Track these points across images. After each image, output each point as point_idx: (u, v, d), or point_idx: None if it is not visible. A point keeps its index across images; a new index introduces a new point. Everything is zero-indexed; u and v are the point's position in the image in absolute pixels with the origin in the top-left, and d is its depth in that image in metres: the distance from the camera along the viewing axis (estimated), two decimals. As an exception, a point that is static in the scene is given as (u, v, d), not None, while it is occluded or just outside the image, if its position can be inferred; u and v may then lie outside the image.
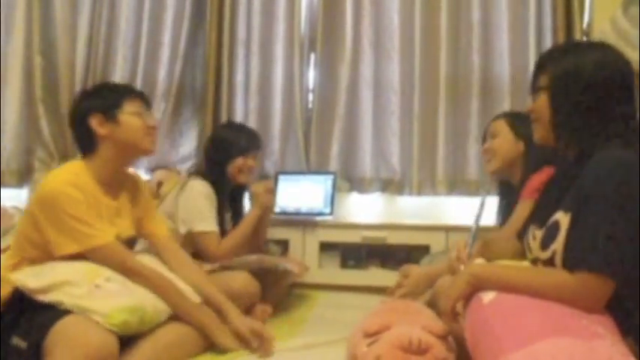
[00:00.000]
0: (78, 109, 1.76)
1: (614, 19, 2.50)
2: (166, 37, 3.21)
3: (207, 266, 2.14)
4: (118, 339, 1.45)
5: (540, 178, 1.83)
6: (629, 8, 2.41)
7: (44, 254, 1.60)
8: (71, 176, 1.63)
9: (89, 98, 1.78)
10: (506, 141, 2.02)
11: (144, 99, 1.83)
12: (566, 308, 1.14)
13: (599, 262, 1.13)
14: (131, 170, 1.92)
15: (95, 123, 1.72)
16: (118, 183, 1.80)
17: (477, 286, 1.27)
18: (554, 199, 1.32)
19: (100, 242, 1.61)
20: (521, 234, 1.50)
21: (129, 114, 1.74)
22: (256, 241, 2.46)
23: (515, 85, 2.96)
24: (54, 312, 1.46)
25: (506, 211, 2.09)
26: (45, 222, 1.58)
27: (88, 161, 1.73)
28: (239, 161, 2.37)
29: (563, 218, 1.24)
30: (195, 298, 1.74)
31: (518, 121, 2.02)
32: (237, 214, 2.51)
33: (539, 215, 1.39)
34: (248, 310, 2.08)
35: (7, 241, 2.29)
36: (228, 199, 2.44)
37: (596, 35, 2.66)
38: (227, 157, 2.37)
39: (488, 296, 1.22)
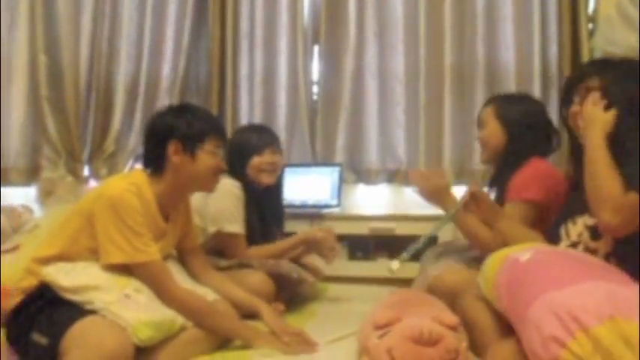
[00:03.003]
0: (160, 126, 1.72)
1: (619, 4, 2.48)
2: (169, 33, 3.20)
3: (224, 262, 2.15)
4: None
5: (523, 175, 1.86)
6: (635, -7, 2.39)
7: (78, 255, 1.59)
8: (134, 187, 1.61)
9: (174, 119, 1.72)
10: (493, 132, 2.00)
11: (223, 137, 1.80)
12: (606, 264, 1.25)
13: None
14: None
15: (172, 149, 1.68)
16: (173, 206, 1.79)
17: (597, 129, 1.40)
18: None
19: (146, 259, 1.59)
20: (550, 230, 1.57)
21: (207, 152, 1.71)
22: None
23: (520, 73, 2.94)
24: (75, 311, 1.46)
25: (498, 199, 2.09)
26: (100, 225, 1.57)
27: (152, 178, 1.71)
28: (255, 160, 2.29)
29: None
30: (212, 296, 1.75)
31: (505, 108, 1.99)
32: (265, 217, 2.40)
33: (575, 209, 1.49)
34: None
35: (16, 240, 2.31)
36: (257, 201, 2.36)
37: (602, 21, 2.64)
38: (243, 159, 2.30)
39: (525, 256, 1.30)
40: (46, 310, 1.50)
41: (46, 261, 1.59)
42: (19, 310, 1.53)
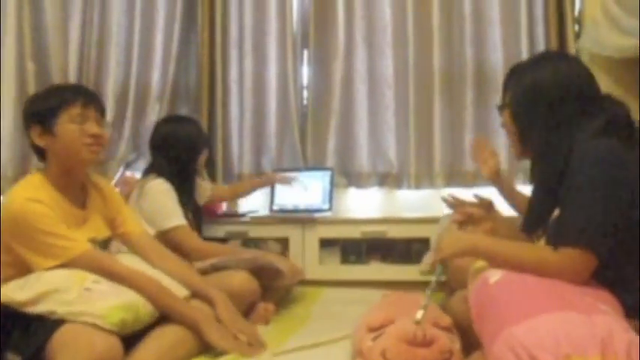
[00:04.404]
0: (23, 116, 1.69)
1: (604, 6, 2.50)
2: (158, 39, 3.19)
3: (198, 264, 2.12)
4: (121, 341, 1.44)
5: None
6: (621, -5, 2.42)
7: (20, 272, 1.56)
8: (31, 192, 1.58)
9: (31, 105, 1.69)
10: None
11: (89, 102, 1.69)
12: (571, 286, 1.20)
13: (579, 237, 1.21)
14: (97, 176, 1.89)
15: (34, 135, 1.65)
16: (81, 190, 1.75)
17: (472, 255, 1.38)
18: (551, 198, 1.35)
19: (77, 252, 1.57)
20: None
21: (65, 123, 1.64)
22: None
23: (508, 75, 2.96)
24: (48, 323, 1.44)
25: None
26: (17, 244, 1.55)
27: (45, 171, 1.68)
28: (204, 154, 2.59)
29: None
30: (182, 292, 1.72)
31: None
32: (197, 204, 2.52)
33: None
34: (250, 309, 2.07)
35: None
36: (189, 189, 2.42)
37: (588, 23, 2.66)
38: (196, 152, 2.45)
39: (494, 277, 1.27)
40: (18, 329, 1.48)
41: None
42: None
